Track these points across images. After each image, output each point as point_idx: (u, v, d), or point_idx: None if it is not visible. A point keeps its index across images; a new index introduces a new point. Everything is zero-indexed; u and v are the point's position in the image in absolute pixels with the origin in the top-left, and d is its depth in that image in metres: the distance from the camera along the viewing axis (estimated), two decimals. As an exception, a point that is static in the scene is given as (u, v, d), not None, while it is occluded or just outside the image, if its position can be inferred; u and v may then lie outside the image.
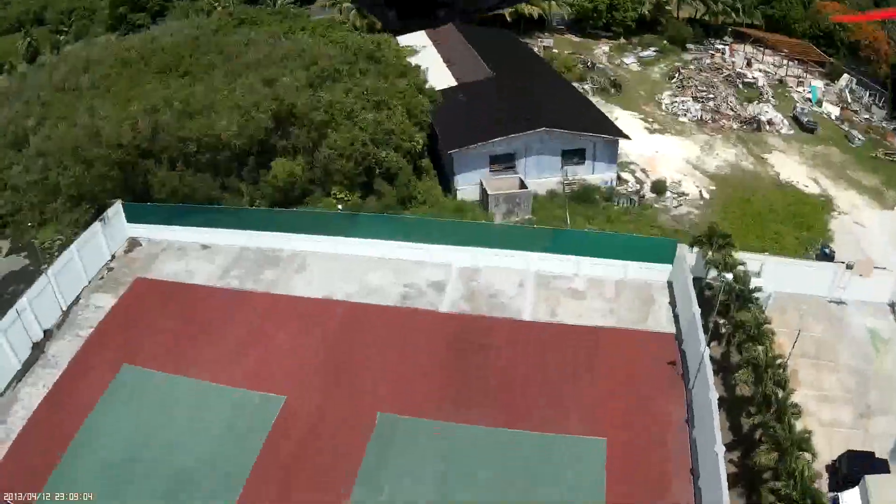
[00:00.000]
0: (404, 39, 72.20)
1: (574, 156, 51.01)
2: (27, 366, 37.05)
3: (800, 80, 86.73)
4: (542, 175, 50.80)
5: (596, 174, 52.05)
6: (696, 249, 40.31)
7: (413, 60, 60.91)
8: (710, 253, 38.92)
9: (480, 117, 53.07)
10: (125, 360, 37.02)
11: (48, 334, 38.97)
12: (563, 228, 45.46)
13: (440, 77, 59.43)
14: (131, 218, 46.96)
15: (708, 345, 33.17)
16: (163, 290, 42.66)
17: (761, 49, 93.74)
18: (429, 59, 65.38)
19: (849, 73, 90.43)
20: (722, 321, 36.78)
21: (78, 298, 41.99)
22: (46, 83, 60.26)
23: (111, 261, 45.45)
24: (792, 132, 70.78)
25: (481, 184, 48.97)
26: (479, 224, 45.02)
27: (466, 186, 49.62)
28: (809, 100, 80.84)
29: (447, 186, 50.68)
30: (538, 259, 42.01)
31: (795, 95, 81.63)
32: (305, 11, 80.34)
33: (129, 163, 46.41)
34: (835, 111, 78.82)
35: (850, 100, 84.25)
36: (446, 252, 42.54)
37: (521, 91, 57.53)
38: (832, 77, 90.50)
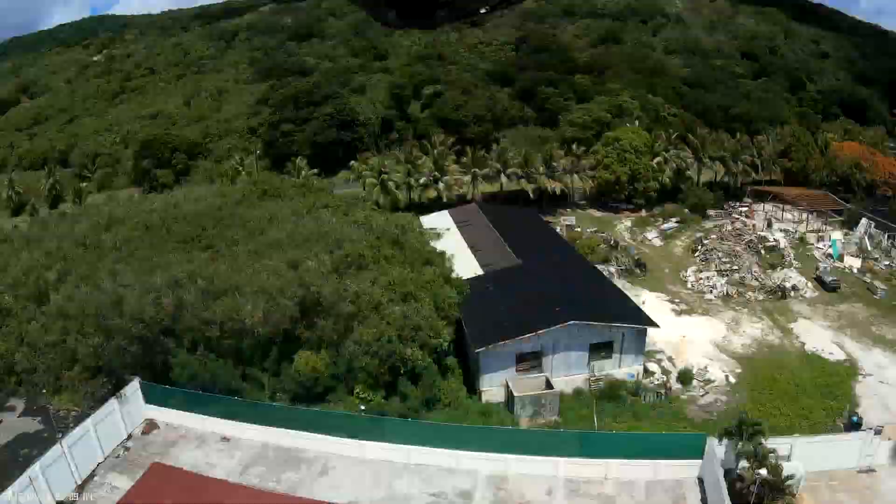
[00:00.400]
0: (428, 220, 73.68)
1: (602, 349, 50.97)
2: (37, 535, 36.49)
3: (819, 234, 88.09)
4: (570, 372, 50.64)
5: (623, 367, 51.84)
6: (725, 441, 39.83)
7: (438, 245, 61.74)
8: (739, 444, 38.62)
9: (508, 310, 53.14)
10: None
11: (62, 506, 38.71)
12: (590, 431, 45.02)
13: (466, 264, 59.98)
14: (149, 399, 46.79)
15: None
16: (180, 479, 41.84)
17: (780, 206, 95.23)
18: (453, 243, 66.32)
19: (867, 217, 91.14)
20: (754, 513, 36.32)
21: (93, 475, 41.67)
22: (68, 234, 61.75)
23: (128, 440, 45.10)
24: (817, 294, 71.45)
25: (507, 384, 48.80)
26: (505, 430, 44.31)
27: (492, 387, 49.37)
28: (830, 255, 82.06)
29: (471, 382, 50.27)
30: (567, 464, 41.23)
31: (817, 253, 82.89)
32: (328, 185, 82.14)
33: (150, 339, 46.42)
34: (856, 263, 79.90)
35: (869, 247, 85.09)
36: (473, 458, 41.79)
37: (549, 280, 58.05)
38: (850, 224, 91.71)
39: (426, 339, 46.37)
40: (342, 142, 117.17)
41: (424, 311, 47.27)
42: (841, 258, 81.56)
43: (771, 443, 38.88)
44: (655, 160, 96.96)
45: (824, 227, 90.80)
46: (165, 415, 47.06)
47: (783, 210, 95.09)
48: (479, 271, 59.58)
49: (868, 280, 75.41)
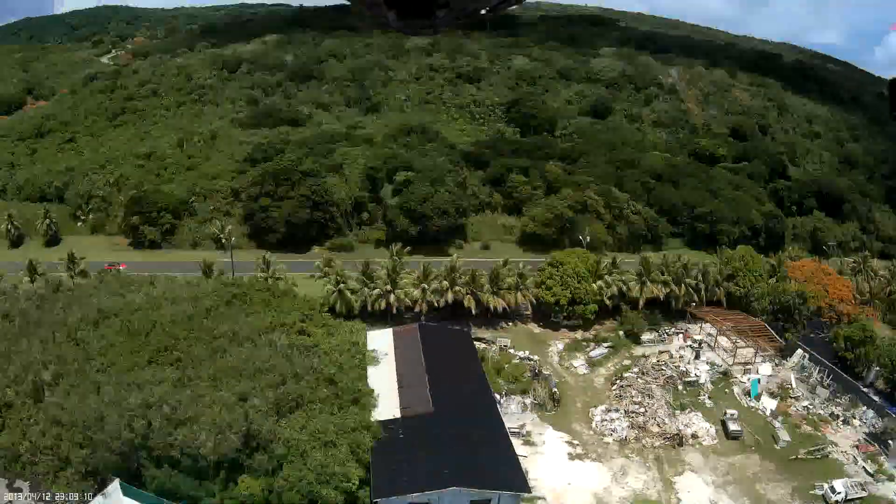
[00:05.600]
0: (372, 337, 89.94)
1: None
2: None
3: (747, 367, 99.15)
4: (452, 515, 66.26)
5: (499, 517, 67.29)
6: None
7: (373, 371, 78.51)
8: None
9: (409, 462, 67.95)
10: None
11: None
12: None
13: (389, 404, 75.72)
14: (127, 493, 62.75)
15: None
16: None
17: (714, 335, 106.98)
18: (384, 375, 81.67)
19: (802, 349, 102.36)
20: None
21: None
22: (61, 325, 79.99)
23: (109, 527, 61.41)
24: (715, 442, 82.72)
25: (399, 530, 64.80)
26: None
27: (387, 529, 65.26)
28: (749, 394, 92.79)
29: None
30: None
31: (737, 390, 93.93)
32: (293, 290, 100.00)
33: (126, 452, 63.25)
34: (771, 405, 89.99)
35: (794, 384, 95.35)
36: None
37: (452, 433, 71.86)
38: (786, 355, 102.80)
39: (339, 483, 62.59)
40: (315, 221, 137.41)
41: (341, 456, 63.66)
42: (758, 398, 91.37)
43: None
44: (598, 283, 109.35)
45: (755, 359, 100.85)
46: (139, 508, 63.38)
47: (717, 337, 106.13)
48: (398, 414, 74.35)
49: (778, 424, 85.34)
